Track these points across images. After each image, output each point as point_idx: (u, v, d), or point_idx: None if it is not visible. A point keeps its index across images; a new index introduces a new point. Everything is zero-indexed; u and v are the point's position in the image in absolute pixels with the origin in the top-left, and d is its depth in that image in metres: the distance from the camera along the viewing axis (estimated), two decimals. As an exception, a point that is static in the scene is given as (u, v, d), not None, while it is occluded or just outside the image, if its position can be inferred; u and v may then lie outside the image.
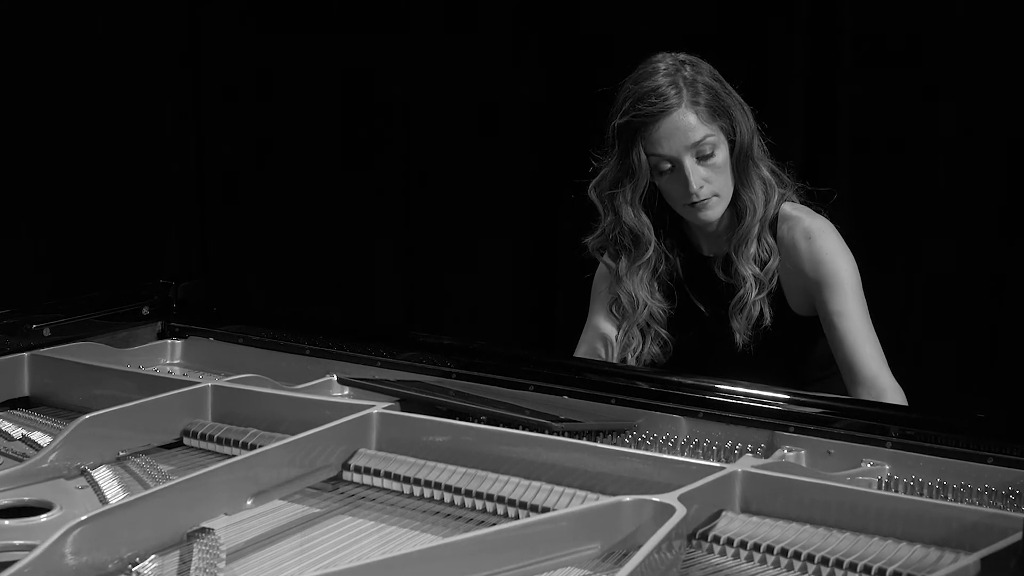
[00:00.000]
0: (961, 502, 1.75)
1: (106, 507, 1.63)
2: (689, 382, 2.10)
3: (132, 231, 4.40)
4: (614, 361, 2.62)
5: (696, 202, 2.50)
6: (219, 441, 1.97)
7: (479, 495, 1.76)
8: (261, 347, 2.44)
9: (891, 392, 2.40)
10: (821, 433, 1.94)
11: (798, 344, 2.59)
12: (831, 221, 2.59)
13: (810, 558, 1.56)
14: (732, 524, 1.65)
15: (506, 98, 4.17)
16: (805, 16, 3.65)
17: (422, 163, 4.34)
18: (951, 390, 3.45)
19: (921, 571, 1.51)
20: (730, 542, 1.62)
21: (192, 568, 1.56)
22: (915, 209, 3.57)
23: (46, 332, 2.36)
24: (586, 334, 2.70)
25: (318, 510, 1.77)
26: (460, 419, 1.96)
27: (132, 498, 1.64)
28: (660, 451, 1.96)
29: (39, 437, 2.03)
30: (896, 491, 1.80)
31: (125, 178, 4.38)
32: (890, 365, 2.48)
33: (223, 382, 2.10)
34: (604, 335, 2.65)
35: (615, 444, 1.96)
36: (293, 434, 1.84)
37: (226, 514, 1.69)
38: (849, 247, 2.56)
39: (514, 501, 1.74)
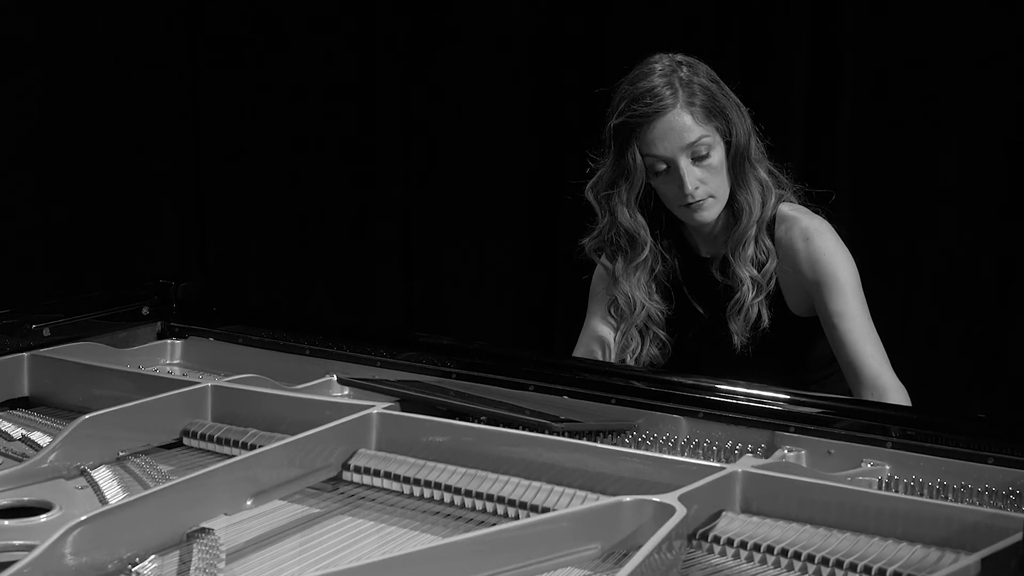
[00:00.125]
0: (961, 502, 1.75)
1: (106, 507, 1.63)
2: (689, 382, 2.10)
3: (132, 231, 4.40)
4: (613, 360, 2.62)
5: (691, 203, 2.50)
6: (219, 441, 1.97)
7: (479, 495, 1.76)
8: (261, 347, 2.44)
9: (894, 392, 2.40)
10: (821, 433, 1.94)
11: (796, 345, 2.58)
12: (830, 221, 2.59)
13: (810, 558, 1.56)
14: (732, 524, 1.65)
15: (506, 98, 4.17)
16: (806, 17, 3.65)
17: (422, 163, 4.34)
18: (951, 390, 3.45)
19: (921, 571, 1.51)
20: (730, 542, 1.62)
21: (192, 568, 1.56)
22: (915, 209, 3.57)
23: (46, 332, 2.36)
24: (583, 336, 2.70)
25: (318, 510, 1.77)
26: (460, 419, 1.96)
27: (132, 498, 1.64)
28: (660, 451, 1.95)
29: (39, 437, 2.03)
30: (896, 491, 1.80)
31: (125, 178, 4.38)
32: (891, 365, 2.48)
33: (223, 382, 2.10)
34: (601, 337, 2.65)
35: (615, 444, 1.96)
36: (293, 434, 1.84)
37: (226, 514, 1.69)
38: (849, 247, 2.56)
39: (514, 501, 1.74)
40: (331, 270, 4.48)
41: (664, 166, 2.50)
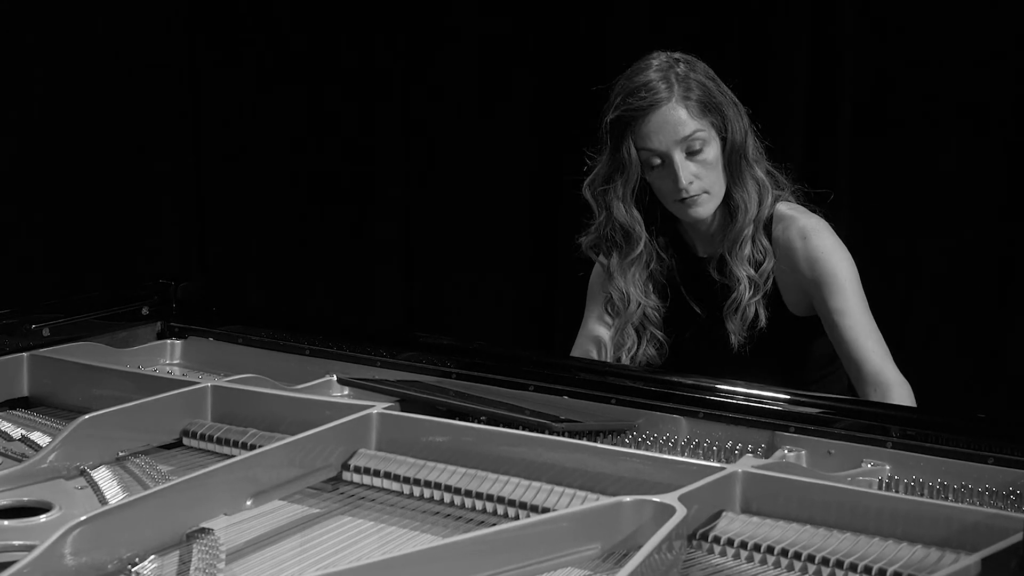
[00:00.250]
0: (962, 502, 1.75)
1: (105, 507, 1.63)
2: (689, 382, 2.09)
3: (132, 231, 4.40)
4: (610, 360, 2.61)
5: (685, 198, 2.49)
6: (219, 441, 1.97)
7: (479, 495, 1.76)
8: (261, 347, 2.44)
9: (897, 386, 2.39)
10: (821, 433, 1.94)
11: (794, 345, 2.58)
12: (828, 221, 2.59)
13: (810, 558, 1.56)
14: (732, 524, 1.65)
15: (506, 98, 4.17)
16: (806, 17, 3.65)
17: (422, 163, 4.34)
18: (951, 390, 3.45)
19: (922, 571, 1.51)
20: (730, 542, 1.62)
21: (192, 568, 1.56)
22: (915, 209, 3.57)
23: (45, 332, 2.36)
24: (580, 337, 2.70)
25: (318, 510, 1.77)
26: (460, 419, 1.96)
27: (131, 498, 1.64)
28: (660, 451, 1.95)
29: (38, 437, 2.03)
30: (897, 491, 1.80)
31: (125, 178, 4.38)
32: (891, 364, 2.48)
33: (223, 382, 2.09)
34: (598, 338, 2.65)
35: (615, 444, 1.95)
36: (293, 434, 1.84)
37: (226, 514, 1.69)
38: (849, 247, 2.55)
39: (514, 501, 1.74)
40: (331, 270, 4.48)
41: (659, 160, 2.50)
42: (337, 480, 1.86)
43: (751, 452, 1.93)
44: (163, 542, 1.61)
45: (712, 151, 2.50)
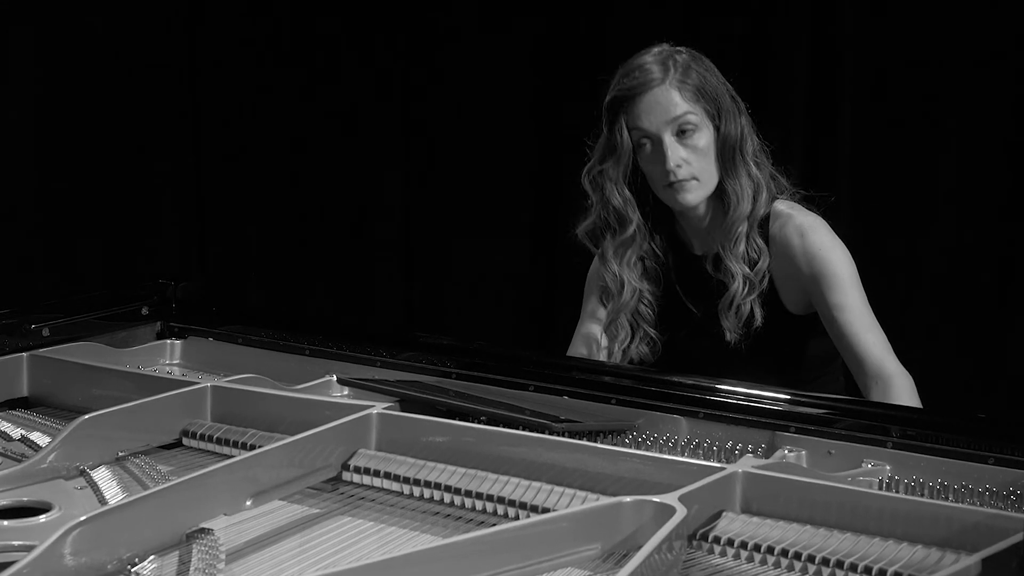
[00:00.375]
0: (962, 503, 1.75)
1: (105, 508, 1.63)
2: (689, 382, 2.09)
3: (132, 231, 4.40)
4: (603, 356, 2.61)
5: (673, 182, 2.49)
6: (218, 441, 1.97)
7: (479, 495, 1.76)
8: (260, 347, 2.44)
9: (899, 377, 2.38)
10: (822, 433, 1.94)
11: (791, 344, 2.58)
12: (828, 221, 2.58)
13: (811, 559, 1.56)
14: (732, 525, 1.65)
15: (506, 98, 4.17)
16: (806, 17, 3.65)
17: (422, 163, 4.34)
18: (951, 390, 3.45)
19: (922, 572, 1.51)
20: (730, 543, 1.61)
21: (191, 569, 1.55)
22: (915, 209, 3.57)
23: (45, 332, 2.35)
24: (576, 335, 2.70)
25: (318, 511, 1.77)
26: (460, 419, 1.95)
27: (131, 499, 1.63)
28: (660, 451, 1.95)
29: (38, 437, 2.03)
30: (897, 492, 1.79)
31: (125, 178, 4.39)
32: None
33: (222, 382, 2.09)
34: (594, 336, 2.65)
35: (615, 444, 1.95)
36: (292, 434, 1.83)
37: (225, 515, 1.69)
38: (849, 247, 2.55)
39: (514, 502, 1.74)
40: (331, 270, 4.48)
41: (649, 142, 2.51)
42: (337, 480, 1.86)
43: (751, 452, 1.93)
44: (163, 542, 1.61)
45: (704, 138, 2.50)
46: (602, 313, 2.64)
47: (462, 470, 1.81)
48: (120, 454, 1.94)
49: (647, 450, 1.95)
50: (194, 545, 1.61)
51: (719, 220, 2.56)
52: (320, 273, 4.49)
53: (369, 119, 4.36)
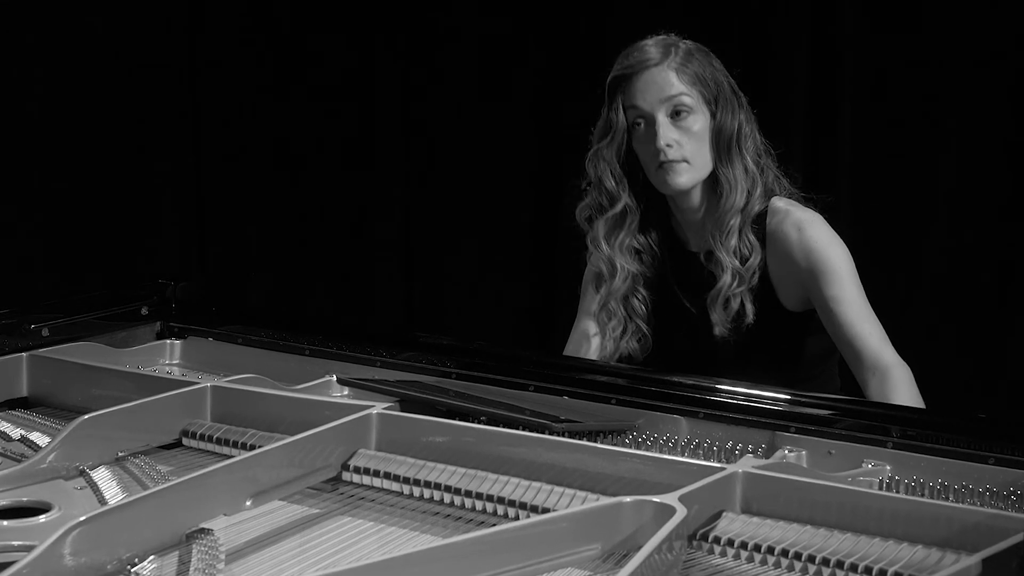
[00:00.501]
0: (962, 503, 1.75)
1: (105, 508, 1.62)
2: (690, 382, 2.09)
3: (132, 231, 4.40)
4: (594, 345, 2.61)
5: (664, 162, 2.49)
6: (218, 442, 1.97)
7: (479, 496, 1.76)
8: (260, 347, 2.44)
9: (897, 367, 2.38)
10: (822, 433, 1.93)
11: (788, 342, 2.58)
12: (828, 220, 2.58)
13: (811, 559, 1.56)
14: (733, 525, 1.65)
15: (506, 98, 4.17)
16: (806, 17, 3.65)
17: (422, 163, 4.34)
18: (951, 390, 3.44)
19: (922, 572, 1.51)
20: (731, 543, 1.61)
21: (191, 569, 1.55)
22: (915, 209, 3.57)
23: (44, 332, 2.35)
24: (573, 332, 2.71)
25: (317, 511, 1.77)
26: (460, 419, 1.95)
27: (131, 499, 1.63)
28: (660, 451, 1.95)
29: (38, 438, 2.03)
30: (897, 492, 1.79)
31: (125, 178, 4.38)
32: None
33: (222, 382, 2.09)
34: (590, 334, 2.65)
35: (615, 445, 1.95)
36: (292, 434, 1.83)
37: (225, 515, 1.69)
38: (849, 247, 2.55)
39: (514, 502, 1.73)
40: (331, 270, 4.48)
41: (643, 122, 2.52)
42: (337, 480, 1.85)
43: (751, 452, 1.93)
44: (162, 542, 1.61)
45: (698, 122, 2.51)
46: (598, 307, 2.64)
47: (462, 470, 1.80)
48: (120, 454, 1.94)
49: (647, 450, 1.95)
50: (194, 545, 1.61)
51: (714, 213, 2.56)
52: (320, 273, 4.49)
53: (369, 119, 4.36)
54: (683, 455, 1.93)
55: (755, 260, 2.53)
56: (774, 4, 3.69)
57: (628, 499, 1.60)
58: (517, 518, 1.72)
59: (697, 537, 1.63)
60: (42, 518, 1.73)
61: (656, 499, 1.59)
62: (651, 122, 2.51)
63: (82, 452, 1.90)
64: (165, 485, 1.67)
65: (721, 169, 2.53)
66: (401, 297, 4.42)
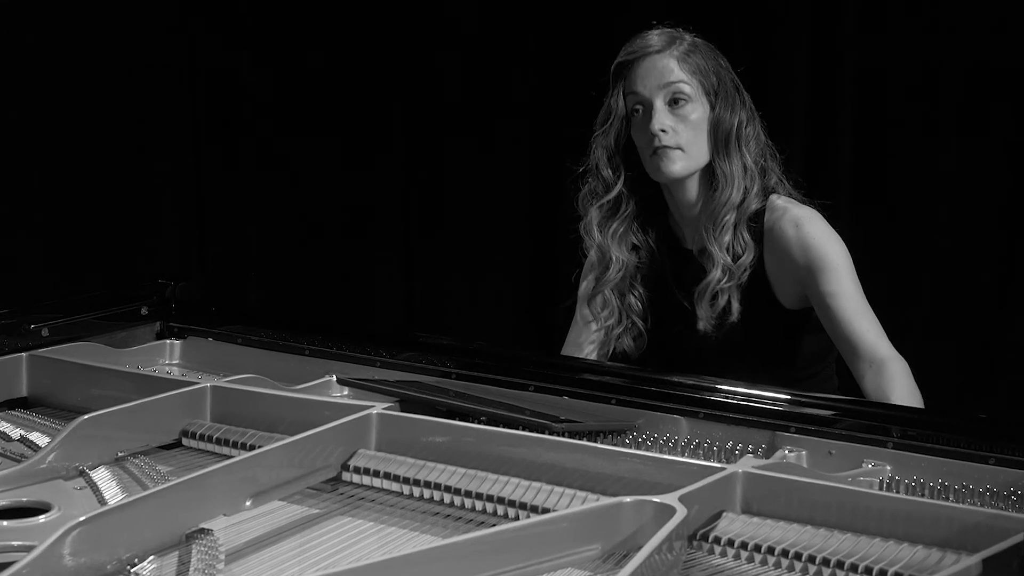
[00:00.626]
0: (963, 503, 1.75)
1: (104, 508, 1.62)
2: (690, 382, 2.09)
3: (132, 231, 4.40)
4: (592, 336, 2.61)
5: (657, 148, 2.49)
6: (218, 442, 1.97)
7: (479, 496, 1.76)
8: (260, 347, 2.44)
9: (893, 361, 2.38)
10: (822, 434, 1.93)
11: (785, 339, 2.57)
12: (828, 220, 2.58)
13: (811, 559, 1.56)
14: (733, 525, 1.65)
15: (506, 98, 4.17)
16: (806, 17, 3.65)
17: (422, 164, 4.34)
18: (951, 390, 3.45)
19: (922, 572, 1.51)
20: (731, 543, 1.61)
21: (191, 569, 1.55)
22: (915, 210, 3.57)
23: (44, 332, 2.35)
24: (571, 331, 2.71)
25: (317, 511, 1.77)
26: (460, 420, 1.95)
27: (131, 499, 1.63)
28: (660, 452, 1.95)
29: (37, 438, 2.03)
30: (897, 492, 1.79)
31: (125, 178, 4.38)
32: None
33: (222, 382, 2.09)
34: (587, 321, 2.66)
35: (615, 445, 1.95)
36: (292, 435, 1.83)
37: (225, 515, 1.68)
38: (849, 247, 2.55)
39: (514, 502, 1.73)
40: (331, 270, 4.48)
41: (642, 109, 2.53)
42: (337, 480, 1.85)
43: (751, 452, 1.93)
44: (162, 543, 1.61)
45: (696, 112, 2.51)
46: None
47: (462, 470, 1.80)
48: (119, 454, 1.94)
49: (647, 450, 1.95)
50: (193, 545, 1.61)
51: (708, 207, 2.55)
52: (320, 273, 4.49)
53: (369, 119, 4.36)
54: (683, 455, 1.93)
55: (747, 259, 2.53)
56: (774, 4, 3.69)
57: (628, 499, 1.60)
58: (517, 518, 1.72)
59: (697, 537, 1.63)
60: (42, 518, 1.73)
61: (656, 499, 1.59)
62: (649, 108, 2.51)
63: (82, 452, 1.90)
64: (165, 485, 1.67)
65: (718, 162, 2.53)
66: (401, 297, 4.42)
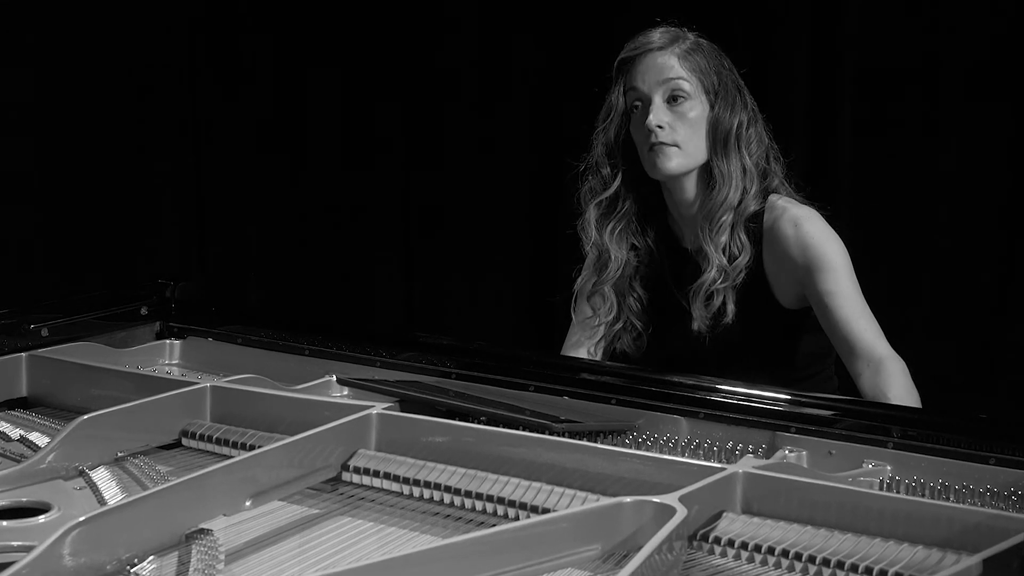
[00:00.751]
0: (963, 503, 1.74)
1: (104, 508, 1.62)
2: (690, 382, 2.09)
3: (132, 231, 4.40)
4: (589, 334, 2.61)
5: (654, 144, 2.49)
6: (218, 442, 1.97)
7: (479, 496, 1.76)
8: (260, 347, 2.44)
9: (891, 360, 2.37)
10: (822, 434, 1.93)
11: (784, 339, 2.57)
12: (828, 220, 2.58)
13: (811, 559, 1.56)
14: (733, 525, 1.64)
15: (506, 98, 4.17)
16: (806, 17, 3.65)
17: (422, 163, 4.34)
18: (951, 390, 3.44)
19: (923, 572, 1.51)
20: (731, 543, 1.61)
21: (191, 569, 1.55)
22: (915, 210, 3.56)
23: (44, 332, 2.35)
24: (569, 333, 2.70)
25: (317, 511, 1.77)
26: (460, 420, 1.95)
27: (130, 499, 1.63)
28: (661, 452, 1.95)
29: (37, 438, 2.03)
30: (898, 492, 1.79)
31: (125, 178, 4.39)
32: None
33: (222, 382, 2.09)
34: (587, 316, 2.66)
35: (615, 445, 1.95)
36: (292, 435, 1.83)
37: (225, 515, 1.68)
38: (849, 247, 2.55)
39: (514, 502, 1.73)
40: (331, 270, 4.48)
41: (641, 105, 2.53)
42: (337, 480, 1.85)
43: (752, 452, 1.93)
44: (162, 543, 1.61)
45: (695, 110, 2.51)
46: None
47: (462, 470, 1.80)
48: (119, 454, 1.94)
49: (647, 450, 1.95)
50: (193, 546, 1.61)
51: (706, 207, 2.55)
52: (320, 273, 4.49)
53: (369, 119, 4.36)
54: (683, 455, 1.93)
55: (744, 260, 2.52)
56: (774, 4, 3.69)
57: (628, 499, 1.60)
58: (517, 518, 1.71)
59: (697, 537, 1.63)
60: (41, 518, 1.73)
61: (656, 499, 1.59)
62: (647, 104, 2.52)
63: (81, 452, 1.90)
64: (164, 485, 1.67)
65: (715, 162, 2.53)
66: (401, 297, 4.42)
